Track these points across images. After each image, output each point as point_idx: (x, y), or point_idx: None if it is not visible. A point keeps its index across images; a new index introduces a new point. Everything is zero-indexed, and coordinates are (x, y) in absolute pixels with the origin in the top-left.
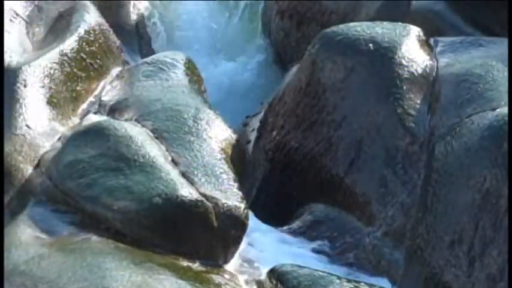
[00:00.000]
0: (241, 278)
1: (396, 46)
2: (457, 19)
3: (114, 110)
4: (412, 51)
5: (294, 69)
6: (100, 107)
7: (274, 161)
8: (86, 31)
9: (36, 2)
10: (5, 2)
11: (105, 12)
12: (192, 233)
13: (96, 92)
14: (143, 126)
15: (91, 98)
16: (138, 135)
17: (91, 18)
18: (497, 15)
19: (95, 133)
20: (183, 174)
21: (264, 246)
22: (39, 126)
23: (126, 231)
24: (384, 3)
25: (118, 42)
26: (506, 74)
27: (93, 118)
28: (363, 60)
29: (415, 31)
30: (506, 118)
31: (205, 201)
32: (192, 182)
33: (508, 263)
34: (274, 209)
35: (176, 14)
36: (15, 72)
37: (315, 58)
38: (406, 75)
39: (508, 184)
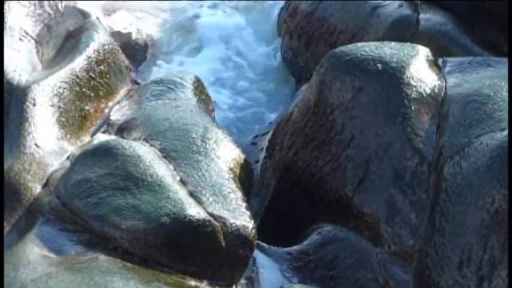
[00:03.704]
0: None
1: (404, 66)
2: (465, 39)
3: (123, 130)
4: (421, 71)
5: (303, 88)
6: (108, 126)
7: (283, 180)
8: (95, 50)
9: (46, 21)
10: (15, 20)
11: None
12: (200, 252)
13: (105, 111)
14: (151, 145)
15: (100, 117)
16: (146, 155)
17: (100, 37)
18: (505, 35)
19: (103, 152)
20: (191, 194)
21: (272, 266)
22: (48, 145)
23: (133, 250)
24: (392, 23)
25: (127, 61)
26: None
27: (101, 137)
28: (371, 80)
29: (423, 51)
30: None
31: (213, 220)
32: (200, 202)
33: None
34: (282, 229)
35: (184, 33)
36: (25, 91)
37: (323, 78)
38: (414, 95)
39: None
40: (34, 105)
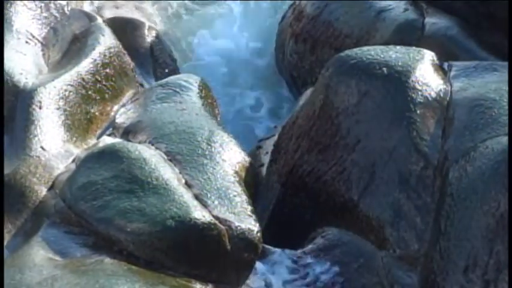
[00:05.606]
0: None
1: (410, 70)
2: (470, 43)
3: (128, 132)
4: (426, 75)
5: (308, 92)
6: (114, 129)
7: (288, 184)
8: (100, 53)
9: (52, 24)
10: (21, 23)
11: (120, 34)
12: (205, 255)
13: (111, 114)
14: (157, 148)
15: (105, 120)
16: (151, 158)
17: (106, 40)
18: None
19: (108, 155)
20: (197, 197)
21: (277, 270)
22: (54, 148)
23: (139, 253)
24: (398, 27)
25: (132, 64)
26: None
27: (107, 140)
28: (376, 84)
29: (428, 55)
30: None
31: (218, 224)
32: (205, 205)
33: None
34: (288, 232)
35: (189, 36)
36: (31, 93)
37: (328, 82)
38: (419, 100)
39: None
40: (40, 108)
